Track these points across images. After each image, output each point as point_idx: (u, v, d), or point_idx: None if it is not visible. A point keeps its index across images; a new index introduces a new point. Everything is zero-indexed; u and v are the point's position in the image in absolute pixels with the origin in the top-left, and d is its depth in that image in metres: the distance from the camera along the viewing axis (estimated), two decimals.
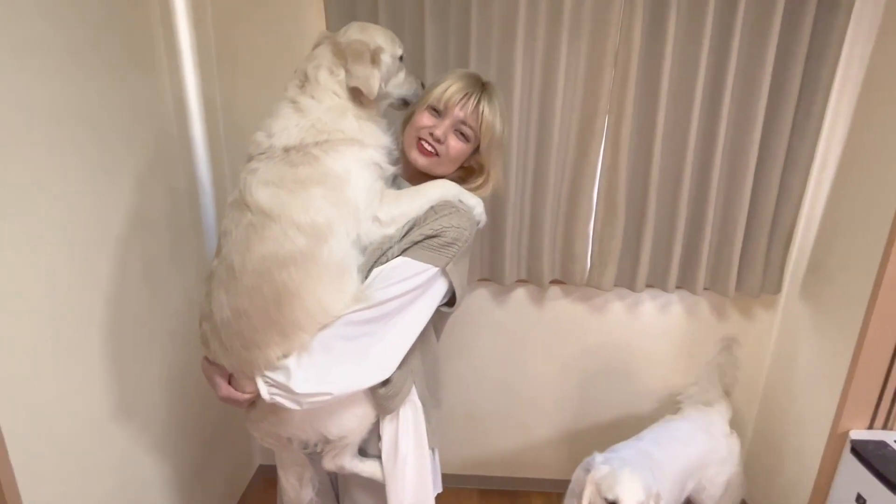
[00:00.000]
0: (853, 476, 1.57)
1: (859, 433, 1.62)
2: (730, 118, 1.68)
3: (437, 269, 1.06)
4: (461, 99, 1.12)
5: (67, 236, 1.19)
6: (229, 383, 1.08)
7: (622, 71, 1.66)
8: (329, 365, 1.02)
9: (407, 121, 1.21)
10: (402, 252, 1.05)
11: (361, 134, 1.06)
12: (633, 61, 1.63)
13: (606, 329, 2.04)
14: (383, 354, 1.06)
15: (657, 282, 1.89)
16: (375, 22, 1.59)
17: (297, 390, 0.99)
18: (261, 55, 1.78)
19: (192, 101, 1.70)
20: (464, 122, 1.14)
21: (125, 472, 1.43)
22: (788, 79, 1.63)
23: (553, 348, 2.07)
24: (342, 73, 1.06)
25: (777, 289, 1.89)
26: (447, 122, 1.13)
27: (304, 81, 1.08)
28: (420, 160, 1.15)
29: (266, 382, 1.02)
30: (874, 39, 1.59)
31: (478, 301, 2.01)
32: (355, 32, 1.10)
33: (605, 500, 1.40)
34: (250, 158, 1.06)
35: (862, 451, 1.57)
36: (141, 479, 1.50)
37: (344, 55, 1.06)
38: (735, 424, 2.05)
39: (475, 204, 1.17)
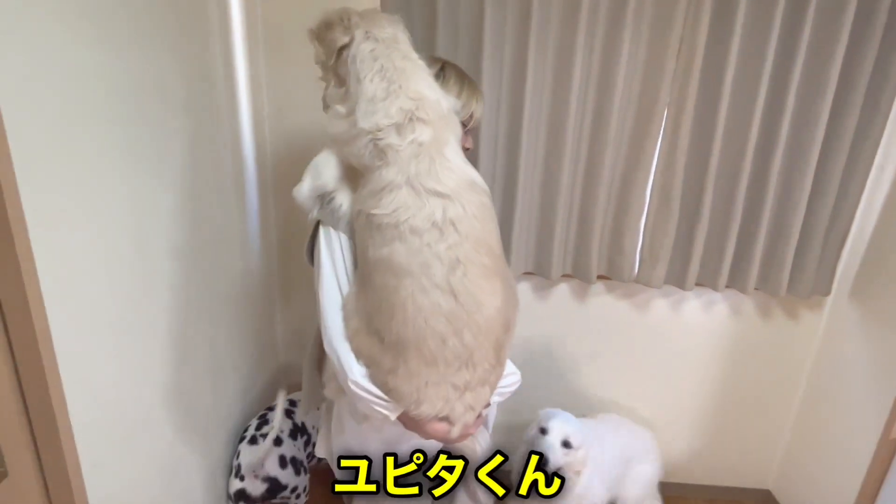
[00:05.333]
0: None
1: None
2: (793, 116, 1.64)
3: None
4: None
5: (124, 214, 1.13)
6: None
7: (685, 62, 1.62)
8: None
9: None
10: None
11: None
12: (697, 52, 1.59)
13: (649, 326, 2.00)
14: None
15: (707, 280, 1.85)
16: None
17: None
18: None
19: (241, 77, 1.64)
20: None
21: (170, 460, 1.39)
22: (856, 78, 1.59)
23: (594, 344, 2.03)
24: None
25: (827, 290, 1.86)
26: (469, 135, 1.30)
27: None
28: None
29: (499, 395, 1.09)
30: None
31: (521, 295, 1.96)
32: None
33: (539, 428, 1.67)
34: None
35: None
36: (183, 468, 1.46)
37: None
38: (769, 427, 2.07)
39: None
